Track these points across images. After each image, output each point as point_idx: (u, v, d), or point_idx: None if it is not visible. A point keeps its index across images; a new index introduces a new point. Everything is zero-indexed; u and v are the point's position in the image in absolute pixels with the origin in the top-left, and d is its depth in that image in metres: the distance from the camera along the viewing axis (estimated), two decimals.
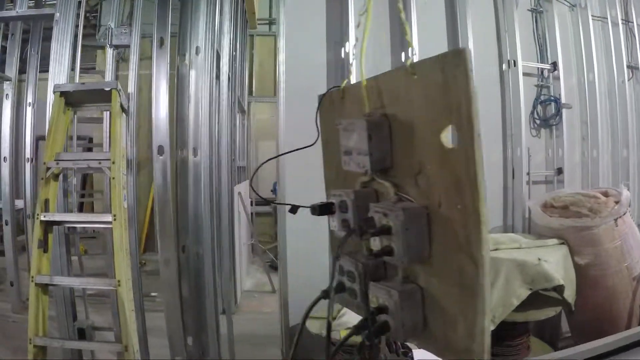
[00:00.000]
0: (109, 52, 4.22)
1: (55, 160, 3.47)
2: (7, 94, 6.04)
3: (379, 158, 1.32)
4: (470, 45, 4.39)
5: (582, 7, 5.08)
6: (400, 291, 1.23)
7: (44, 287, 3.36)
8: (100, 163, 3.50)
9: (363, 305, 1.29)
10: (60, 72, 3.91)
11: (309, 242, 3.88)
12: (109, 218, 3.36)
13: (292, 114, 3.92)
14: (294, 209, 1.66)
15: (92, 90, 3.69)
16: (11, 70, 6.12)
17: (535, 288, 3.60)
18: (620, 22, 5.21)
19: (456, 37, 4.52)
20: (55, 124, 3.55)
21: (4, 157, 5.84)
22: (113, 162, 3.39)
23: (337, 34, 4.16)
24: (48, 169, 3.42)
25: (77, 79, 4.24)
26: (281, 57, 4.01)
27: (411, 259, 1.20)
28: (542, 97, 4.93)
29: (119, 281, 3.27)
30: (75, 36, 4.04)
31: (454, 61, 1.09)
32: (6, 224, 5.94)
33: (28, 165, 5.80)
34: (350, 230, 1.33)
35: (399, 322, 1.23)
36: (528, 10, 4.92)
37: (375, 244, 1.26)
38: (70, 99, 3.65)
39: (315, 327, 3.46)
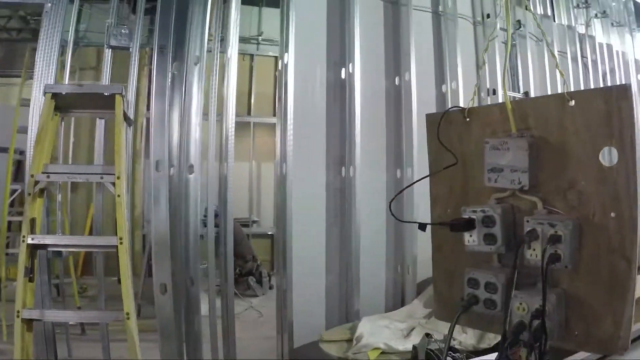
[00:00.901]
0: (107, 53, 3.92)
1: (44, 172, 3.06)
2: None
3: (533, 175, 1.50)
4: (460, 77, 4.63)
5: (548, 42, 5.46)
6: (557, 295, 1.42)
7: (29, 323, 2.95)
8: (102, 177, 3.11)
9: (504, 314, 1.45)
10: (47, 72, 3.65)
11: (308, 268, 3.94)
12: (114, 241, 3.00)
13: (299, 135, 3.92)
14: (422, 226, 1.71)
15: (89, 94, 3.31)
16: None
17: None
18: (579, 57, 5.63)
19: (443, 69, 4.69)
20: (44, 130, 3.12)
21: None
22: (118, 177, 3.04)
23: (336, 54, 4.18)
24: (36, 182, 3.00)
25: (66, 80, 3.95)
26: (290, 78, 3.91)
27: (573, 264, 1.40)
28: None
29: (127, 313, 2.92)
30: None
31: (619, 95, 1.32)
32: None
33: None
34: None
35: (555, 324, 1.42)
36: (502, 42, 5.16)
37: (528, 253, 1.45)
38: (61, 103, 3.23)
39: (334, 350, 3.44)
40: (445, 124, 1.77)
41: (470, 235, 1.58)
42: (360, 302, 4.07)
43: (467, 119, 1.73)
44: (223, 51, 3.89)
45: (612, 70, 6.14)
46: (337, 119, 4.12)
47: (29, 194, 2.98)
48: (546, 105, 1.51)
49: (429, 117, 1.87)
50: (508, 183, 1.53)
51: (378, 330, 3.56)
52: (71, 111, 3.50)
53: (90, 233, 8.42)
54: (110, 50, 3.92)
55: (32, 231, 2.96)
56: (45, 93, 3.16)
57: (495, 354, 1.45)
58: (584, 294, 1.41)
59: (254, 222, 9.71)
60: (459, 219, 1.60)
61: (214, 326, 3.84)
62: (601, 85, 5.90)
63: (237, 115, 3.85)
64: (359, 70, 4.10)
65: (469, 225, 1.58)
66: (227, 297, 3.80)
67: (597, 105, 1.36)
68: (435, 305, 2.09)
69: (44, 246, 3.08)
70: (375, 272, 4.20)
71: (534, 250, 1.44)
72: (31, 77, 3.83)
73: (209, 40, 3.90)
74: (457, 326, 1.53)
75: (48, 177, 3.04)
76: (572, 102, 1.42)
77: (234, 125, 3.78)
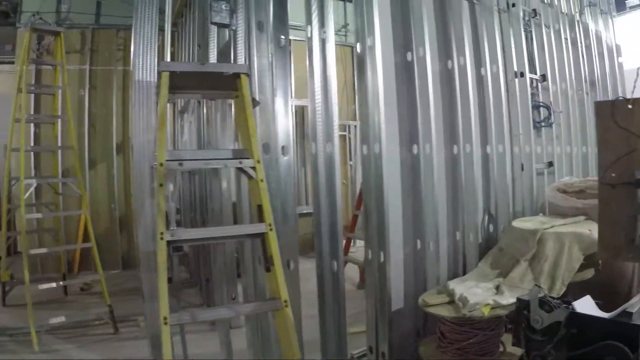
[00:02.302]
0: (212, 30, 3.90)
1: (175, 160, 2.87)
2: None
3: None
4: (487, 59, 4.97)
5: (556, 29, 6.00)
6: None
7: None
8: (241, 162, 3.00)
9: None
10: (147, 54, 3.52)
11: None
12: (263, 228, 2.93)
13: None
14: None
15: (206, 74, 3.13)
16: None
17: (587, 253, 4.16)
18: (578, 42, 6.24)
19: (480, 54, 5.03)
20: (164, 113, 2.94)
21: None
22: (258, 161, 3.01)
23: (400, 39, 4.42)
24: (167, 171, 2.79)
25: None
26: (378, 60, 4.02)
27: None
28: (534, 103, 5.67)
29: (285, 301, 2.87)
30: None
31: None
32: None
33: None
34: None
35: None
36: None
37: None
38: (170, 84, 2.98)
39: (444, 312, 3.64)
40: (613, 109, 2.33)
41: None
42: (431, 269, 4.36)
43: (631, 107, 2.28)
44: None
45: (601, 54, 6.80)
46: (405, 99, 4.33)
47: (161, 185, 2.74)
48: None
49: (598, 104, 2.49)
50: None
51: (471, 290, 3.83)
52: (179, 92, 3.36)
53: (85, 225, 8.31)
54: (216, 27, 3.86)
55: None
56: (161, 71, 2.97)
57: None
58: None
59: None
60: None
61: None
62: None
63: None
64: (429, 54, 4.36)
65: None
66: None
67: None
68: (600, 248, 2.76)
69: (181, 242, 2.84)
70: (437, 240, 4.44)
71: None
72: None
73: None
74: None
75: (181, 164, 2.87)
76: None
77: (337, 108, 3.94)
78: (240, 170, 3.10)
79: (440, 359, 3.66)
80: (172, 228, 2.82)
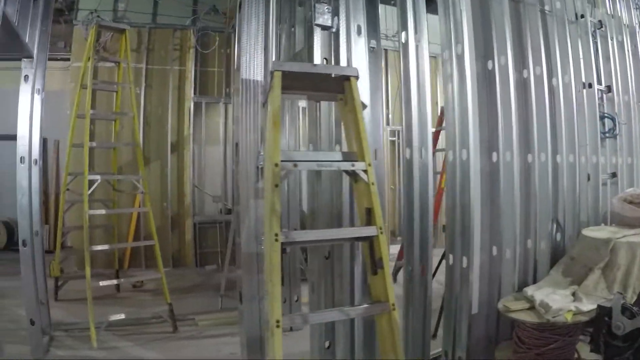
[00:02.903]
0: (317, 32, 3.80)
1: (290, 160, 2.88)
2: (26, 76, 4.63)
3: None
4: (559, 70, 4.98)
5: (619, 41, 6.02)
6: None
7: None
8: (353, 165, 3.03)
9: None
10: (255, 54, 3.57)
11: None
12: (374, 231, 2.95)
13: None
14: None
15: (314, 75, 3.14)
16: (33, 43, 4.62)
17: None
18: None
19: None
20: (277, 111, 2.92)
21: (21, 158, 4.62)
22: (369, 164, 3.03)
23: (481, 46, 4.46)
24: (281, 171, 2.80)
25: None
26: (468, 67, 4.07)
27: None
28: (600, 114, 5.68)
29: (392, 304, 2.90)
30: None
31: None
32: (24, 245, 4.56)
33: (34, 170, 4.71)
34: None
35: None
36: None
37: None
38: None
39: (528, 317, 3.64)
40: None
41: None
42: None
43: None
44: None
45: None
46: (485, 107, 4.34)
47: (276, 185, 2.74)
48: None
49: None
50: None
51: (550, 297, 3.83)
52: (285, 92, 3.18)
53: (137, 221, 8.41)
54: (320, 29, 3.79)
55: None
56: (274, 70, 3.00)
57: None
58: None
59: None
60: None
61: None
62: None
63: None
64: (511, 62, 4.40)
65: None
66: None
67: None
68: None
69: (294, 244, 2.91)
70: (513, 247, 4.42)
71: None
72: None
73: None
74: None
75: (295, 165, 2.90)
76: None
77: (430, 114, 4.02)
78: (347, 172, 3.15)
79: None
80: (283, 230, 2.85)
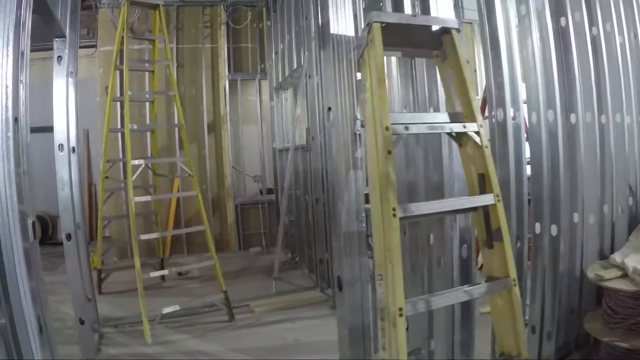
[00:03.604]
0: None
1: (400, 123, 2.55)
2: (59, 57, 4.27)
3: None
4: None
5: None
6: None
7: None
8: (465, 127, 2.73)
9: None
10: None
11: None
12: (491, 199, 2.69)
13: None
14: None
15: (410, 29, 2.76)
16: (64, 23, 4.25)
17: None
18: None
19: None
20: (381, 68, 2.55)
21: (60, 145, 4.28)
22: (481, 126, 2.75)
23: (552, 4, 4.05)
24: (394, 136, 2.47)
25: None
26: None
27: None
28: None
29: (514, 280, 2.66)
30: None
31: None
32: (68, 239, 4.24)
33: (73, 158, 4.36)
34: None
35: None
36: None
37: None
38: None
39: (624, 285, 3.36)
40: None
41: None
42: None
43: None
44: None
45: None
46: (561, 67, 4.00)
47: (389, 152, 2.42)
48: None
49: None
50: None
51: None
52: None
53: (178, 205, 8.15)
54: None
55: None
56: (373, 22, 2.61)
57: None
58: None
59: None
60: None
61: None
62: None
63: None
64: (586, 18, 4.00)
65: None
66: None
67: None
68: None
69: (413, 218, 2.60)
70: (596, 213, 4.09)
71: None
72: None
73: None
74: None
75: (407, 128, 2.59)
76: None
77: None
78: (451, 136, 2.82)
79: (611, 336, 3.39)
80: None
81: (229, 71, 8.69)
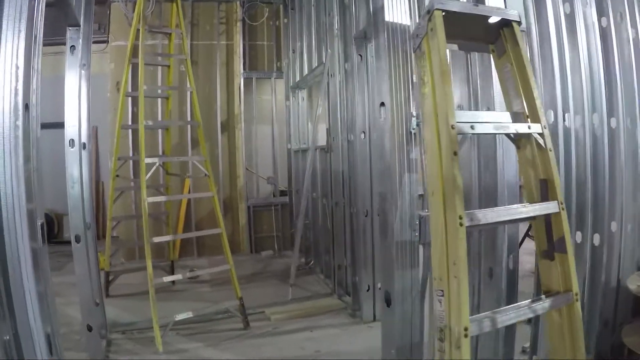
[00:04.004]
0: None
1: (466, 122, 2.30)
2: (72, 47, 4.07)
3: None
4: None
5: None
6: None
7: None
8: (529, 127, 2.51)
9: None
10: None
11: None
12: (555, 207, 2.49)
13: None
14: None
15: (470, 18, 2.52)
16: (79, 11, 4.05)
17: None
18: None
19: None
20: (445, 60, 2.31)
21: (70, 141, 4.07)
22: (545, 127, 2.55)
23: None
24: (459, 135, 2.24)
25: None
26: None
27: None
28: None
29: (576, 294, 2.46)
30: None
31: None
32: (77, 241, 4.01)
33: (84, 154, 4.16)
34: None
35: None
36: None
37: None
38: None
39: None
40: None
41: None
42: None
43: None
44: None
45: None
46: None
47: (455, 153, 2.17)
48: None
49: None
50: None
51: None
52: None
53: (188, 206, 7.88)
54: None
55: None
56: (432, 10, 2.36)
57: None
58: None
59: None
60: None
61: None
62: None
63: None
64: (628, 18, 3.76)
65: None
66: None
67: None
68: None
69: (479, 227, 2.43)
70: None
71: None
72: None
73: None
74: None
75: (472, 127, 2.33)
76: None
77: None
78: (510, 137, 2.59)
79: None
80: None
81: (244, 69, 8.43)
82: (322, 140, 6.41)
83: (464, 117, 2.32)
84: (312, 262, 7.28)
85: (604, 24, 3.56)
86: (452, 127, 2.16)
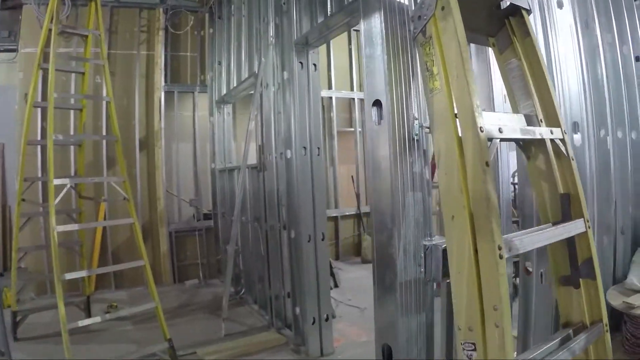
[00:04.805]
0: None
1: (493, 124, 1.96)
2: None
3: None
4: None
5: None
6: None
7: None
8: (552, 132, 2.23)
9: None
10: None
11: None
12: (580, 226, 2.19)
13: None
14: None
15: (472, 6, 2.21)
16: None
17: None
18: None
19: None
20: (465, 47, 2.01)
21: None
22: (565, 132, 2.27)
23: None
24: (490, 140, 1.91)
25: None
26: None
27: None
28: None
29: (606, 324, 2.24)
30: None
31: None
32: None
33: None
34: None
35: None
36: None
37: None
38: None
39: None
40: None
41: None
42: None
43: None
44: None
45: None
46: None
47: (487, 164, 1.79)
48: None
49: None
50: None
51: None
52: None
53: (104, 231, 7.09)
54: None
55: None
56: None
57: None
58: None
59: None
60: None
61: None
62: None
63: None
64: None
65: None
66: None
67: None
68: None
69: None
70: None
71: None
72: None
73: None
74: None
75: (500, 131, 1.93)
76: None
77: None
78: (518, 144, 2.25)
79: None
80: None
81: (166, 82, 7.81)
82: (252, 159, 5.91)
83: (490, 118, 1.92)
84: (243, 291, 6.70)
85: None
86: (481, 130, 1.74)
